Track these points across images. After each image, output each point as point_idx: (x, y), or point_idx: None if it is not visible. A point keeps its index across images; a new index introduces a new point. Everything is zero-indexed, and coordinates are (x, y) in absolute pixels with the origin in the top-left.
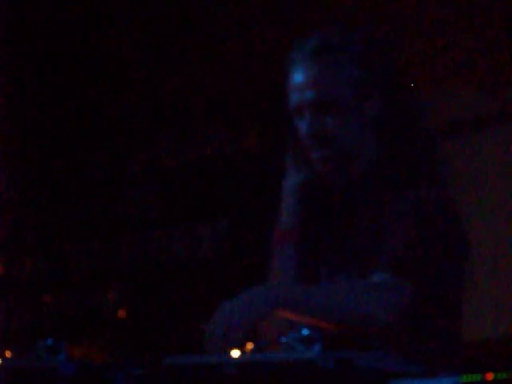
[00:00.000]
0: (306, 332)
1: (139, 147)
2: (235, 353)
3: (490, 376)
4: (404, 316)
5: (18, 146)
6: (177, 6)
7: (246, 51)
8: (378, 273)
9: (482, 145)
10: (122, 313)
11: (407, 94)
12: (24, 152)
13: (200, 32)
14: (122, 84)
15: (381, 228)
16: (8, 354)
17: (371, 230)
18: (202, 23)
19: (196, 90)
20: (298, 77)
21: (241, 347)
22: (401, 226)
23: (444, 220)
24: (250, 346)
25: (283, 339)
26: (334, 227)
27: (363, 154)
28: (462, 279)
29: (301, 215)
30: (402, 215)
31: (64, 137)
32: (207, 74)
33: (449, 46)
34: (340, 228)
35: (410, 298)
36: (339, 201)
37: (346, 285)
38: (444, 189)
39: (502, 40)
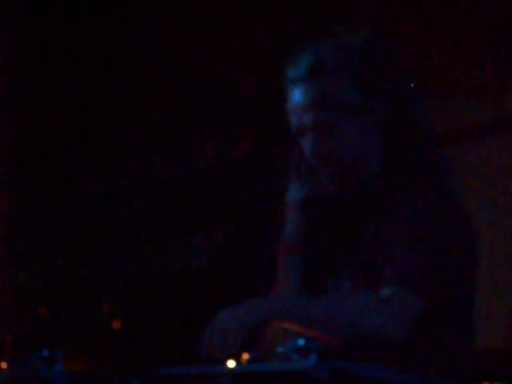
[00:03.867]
0: (301, 342)
1: (133, 159)
2: (231, 363)
3: None
4: (413, 331)
5: (10, 158)
6: (167, 17)
7: (240, 61)
8: (387, 287)
9: (478, 154)
10: (116, 323)
11: (410, 101)
12: (18, 165)
13: (194, 41)
14: (114, 97)
15: (388, 237)
16: (4, 365)
17: (379, 238)
18: (194, 34)
19: (189, 101)
20: (295, 98)
21: (236, 357)
22: (407, 237)
23: (451, 229)
24: (245, 356)
25: (279, 349)
26: (341, 238)
27: (369, 164)
28: (472, 288)
29: (305, 227)
30: (408, 225)
31: (57, 149)
32: (198, 86)
33: (446, 57)
34: (347, 238)
35: (419, 312)
36: (345, 211)
37: (354, 298)
38: (449, 195)
39: (498, 51)
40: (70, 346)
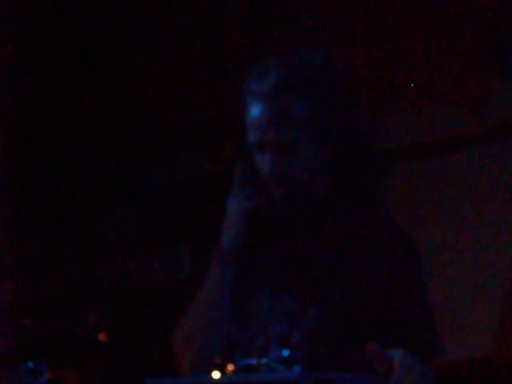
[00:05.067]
0: (286, 353)
1: (118, 170)
2: (216, 374)
3: None
4: None
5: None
6: (151, 34)
7: (220, 74)
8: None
9: (465, 164)
10: (102, 335)
11: (362, 125)
12: (3, 179)
13: (175, 54)
14: (99, 109)
15: (331, 257)
16: None
17: (321, 257)
18: (176, 45)
19: (172, 114)
20: (257, 112)
21: (221, 368)
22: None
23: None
24: (230, 367)
25: (264, 360)
26: (282, 252)
27: (319, 187)
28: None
29: (245, 237)
30: (368, 258)
31: (42, 162)
32: (180, 96)
33: (429, 65)
34: (288, 254)
35: None
36: (289, 227)
37: None
38: (393, 223)
39: (481, 58)
40: (55, 358)
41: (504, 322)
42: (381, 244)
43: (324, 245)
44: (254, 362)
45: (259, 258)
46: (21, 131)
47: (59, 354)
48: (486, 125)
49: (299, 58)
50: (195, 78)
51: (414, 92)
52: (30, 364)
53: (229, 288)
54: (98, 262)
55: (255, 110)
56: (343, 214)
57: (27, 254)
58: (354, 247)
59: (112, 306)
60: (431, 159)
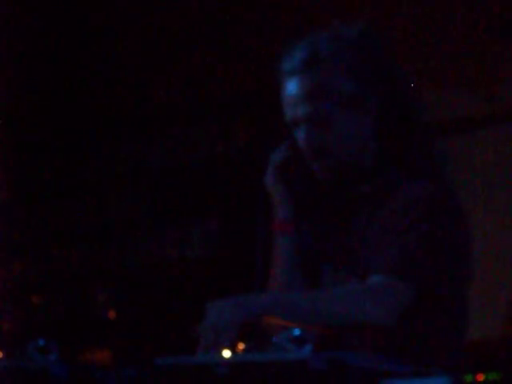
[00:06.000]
0: (297, 332)
1: (128, 148)
2: (226, 353)
3: (480, 377)
4: (401, 317)
5: (5, 149)
6: (169, 8)
7: (235, 51)
8: (375, 275)
9: (474, 145)
10: (112, 313)
11: (404, 93)
12: (11, 154)
13: (191, 33)
14: (111, 86)
15: (379, 228)
16: None
17: (372, 227)
18: (193, 25)
19: (184, 90)
20: (290, 90)
21: (232, 347)
22: (397, 226)
23: (442, 218)
24: (241, 346)
25: (275, 340)
26: (335, 225)
27: (363, 156)
28: (462, 278)
29: (294, 200)
30: (399, 214)
31: (51, 139)
32: (196, 74)
33: (440, 47)
34: (340, 226)
35: (408, 299)
36: (339, 199)
37: (342, 288)
38: (443, 186)
39: (492, 41)
40: (65, 335)
41: None
42: (430, 215)
43: (373, 219)
44: (264, 341)
45: (316, 233)
46: (37, 110)
47: (69, 331)
48: (496, 106)
49: (327, 33)
50: (212, 56)
51: (422, 73)
52: (41, 341)
53: (293, 257)
54: (109, 240)
55: (287, 88)
56: (391, 185)
57: (37, 232)
58: (403, 220)
59: (121, 285)
60: (442, 140)
